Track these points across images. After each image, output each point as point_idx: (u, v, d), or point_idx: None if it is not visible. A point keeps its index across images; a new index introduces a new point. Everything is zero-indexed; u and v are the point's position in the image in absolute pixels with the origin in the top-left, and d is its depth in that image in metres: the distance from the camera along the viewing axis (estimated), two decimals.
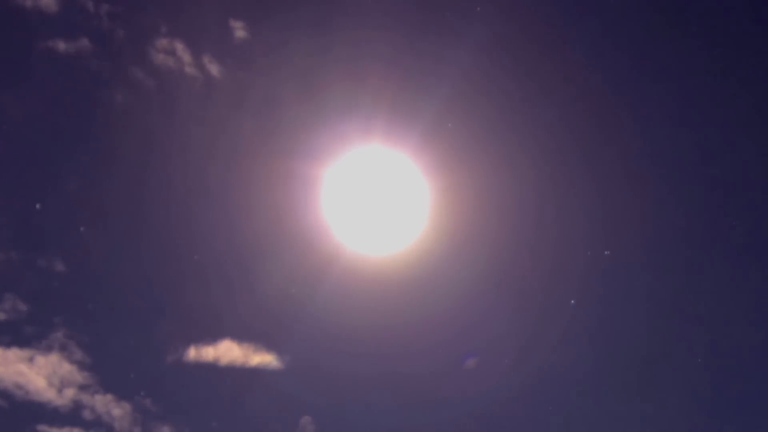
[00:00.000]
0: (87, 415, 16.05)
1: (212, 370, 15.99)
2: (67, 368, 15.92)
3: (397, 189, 14.94)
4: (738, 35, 15.36)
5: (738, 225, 16.39)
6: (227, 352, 15.93)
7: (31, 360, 15.71)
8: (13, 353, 15.46)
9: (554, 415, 16.83)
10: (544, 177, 15.16)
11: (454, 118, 14.41)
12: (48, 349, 15.74)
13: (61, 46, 14.27)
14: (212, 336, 15.89)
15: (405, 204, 15.09)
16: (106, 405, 16.25)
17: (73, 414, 15.97)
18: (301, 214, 14.44)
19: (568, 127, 15.14)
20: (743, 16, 15.31)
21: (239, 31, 14.79)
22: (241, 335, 15.83)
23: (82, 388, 16.01)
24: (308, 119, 14.04)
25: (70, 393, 16.00)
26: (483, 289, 15.42)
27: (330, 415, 16.46)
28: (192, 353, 15.97)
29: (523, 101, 14.83)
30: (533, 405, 16.86)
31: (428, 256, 14.96)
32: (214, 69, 14.92)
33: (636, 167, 15.69)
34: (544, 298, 15.77)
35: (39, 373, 15.75)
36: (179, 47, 14.69)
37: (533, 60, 14.70)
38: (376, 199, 15.12)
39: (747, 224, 16.37)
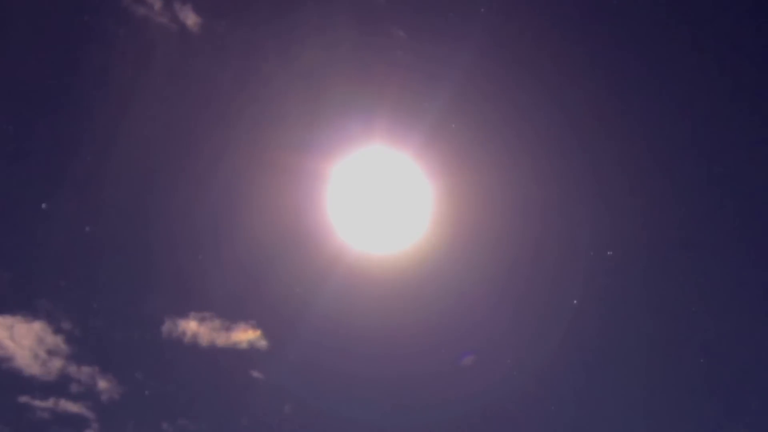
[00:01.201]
0: (71, 386, 15.97)
1: (204, 350, 16.01)
2: (51, 338, 15.73)
3: (400, 189, 14.81)
4: (740, 36, 15.13)
5: (742, 225, 16.26)
6: (220, 335, 15.90)
7: (12, 328, 15.50)
8: None
9: (557, 415, 16.89)
10: (548, 177, 15.17)
11: (458, 119, 14.38)
12: (32, 318, 15.51)
13: None
14: (203, 315, 15.84)
15: (408, 204, 14.97)
16: (93, 377, 16.16)
17: (56, 385, 15.88)
18: (304, 211, 14.31)
19: (572, 128, 15.06)
20: (745, 17, 15.01)
21: None
22: (231, 317, 15.84)
23: (67, 358, 15.84)
24: (307, 115, 13.67)
25: (53, 363, 15.83)
26: (486, 288, 15.45)
27: (330, 413, 16.49)
28: (185, 334, 15.91)
29: (528, 102, 14.79)
30: (536, 405, 16.89)
31: (431, 256, 14.93)
32: (189, 19, 13.97)
33: (640, 168, 15.63)
34: (547, 298, 15.84)
35: (21, 343, 15.57)
36: None
37: (538, 61, 14.62)
38: (379, 198, 14.95)
39: (751, 224, 16.23)
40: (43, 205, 14.32)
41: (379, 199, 14.85)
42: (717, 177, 15.89)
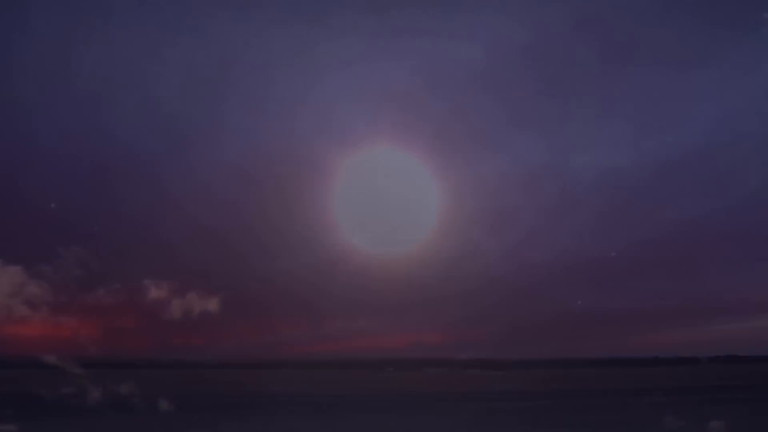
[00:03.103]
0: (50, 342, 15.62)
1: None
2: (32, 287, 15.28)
3: (406, 189, 13.86)
4: (742, 36, 13.73)
5: (743, 224, 15.44)
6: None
7: None
8: None
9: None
10: (552, 178, 14.06)
11: (464, 120, 12.87)
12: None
13: None
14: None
15: (414, 204, 14.10)
16: (73, 328, 15.81)
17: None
18: (308, 208, 13.47)
19: (576, 130, 13.78)
20: (748, 17, 13.52)
21: None
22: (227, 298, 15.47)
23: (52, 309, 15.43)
24: (313, 114, 12.50)
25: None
26: (490, 288, 14.84)
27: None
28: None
29: (533, 103, 13.36)
30: None
31: (436, 256, 14.19)
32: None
33: (643, 168, 14.54)
34: (550, 298, 15.34)
35: None
36: None
37: (543, 61, 13.05)
38: (384, 198, 14.09)
39: (752, 224, 15.44)
40: (52, 205, 13.64)
41: (384, 198, 14.07)
42: (720, 176, 15.05)
